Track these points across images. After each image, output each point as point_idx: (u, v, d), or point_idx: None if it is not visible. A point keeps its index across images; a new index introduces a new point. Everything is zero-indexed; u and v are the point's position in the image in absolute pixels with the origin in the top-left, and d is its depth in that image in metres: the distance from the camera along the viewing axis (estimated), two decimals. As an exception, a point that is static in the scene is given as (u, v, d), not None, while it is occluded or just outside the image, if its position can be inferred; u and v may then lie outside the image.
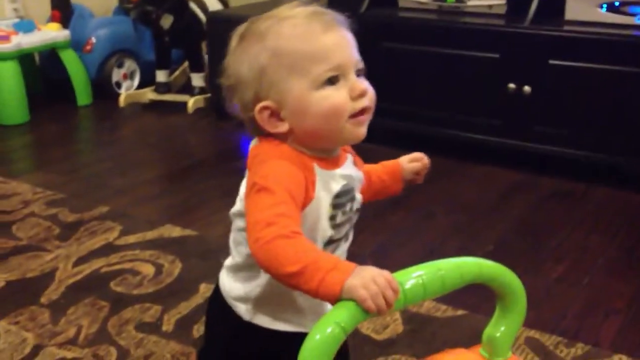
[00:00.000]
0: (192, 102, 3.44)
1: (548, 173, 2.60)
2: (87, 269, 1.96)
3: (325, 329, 0.72)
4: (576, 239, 2.14)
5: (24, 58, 3.38)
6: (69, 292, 1.85)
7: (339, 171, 0.94)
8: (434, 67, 2.71)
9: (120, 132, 3.34)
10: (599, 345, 1.62)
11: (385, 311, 0.73)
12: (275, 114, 0.90)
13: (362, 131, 0.91)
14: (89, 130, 3.47)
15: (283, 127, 0.90)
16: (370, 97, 0.91)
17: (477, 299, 1.68)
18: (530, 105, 2.56)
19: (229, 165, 2.79)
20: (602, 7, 2.47)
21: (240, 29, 0.94)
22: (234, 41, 0.94)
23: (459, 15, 2.74)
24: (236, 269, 1.01)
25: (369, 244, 2.09)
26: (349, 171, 0.96)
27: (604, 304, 1.79)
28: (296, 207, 0.85)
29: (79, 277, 1.92)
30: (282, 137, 0.92)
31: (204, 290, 1.83)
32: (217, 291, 1.06)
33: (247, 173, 0.92)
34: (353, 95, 0.89)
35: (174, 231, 2.19)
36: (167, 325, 1.70)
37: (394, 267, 0.80)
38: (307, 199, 0.89)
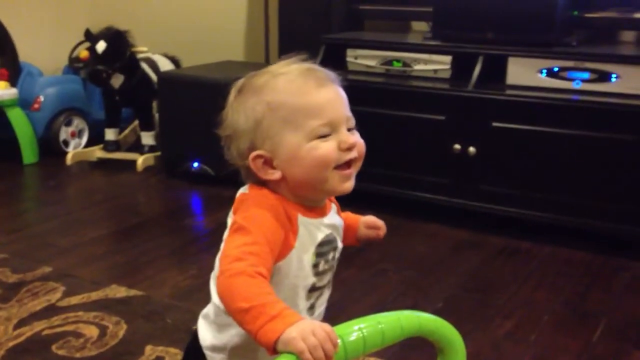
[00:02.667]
0: (141, 160, 3.42)
1: (494, 231, 2.65)
2: (29, 331, 1.90)
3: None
4: (523, 295, 2.18)
5: (-30, 116, 3.32)
6: (9, 355, 1.77)
7: (324, 220, 0.98)
8: (383, 128, 2.77)
9: (67, 190, 3.29)
10: (546, 402, 1.63)
11: None
12: (268, 162, 0.94)
13: (349, 185, 0.96)
14: (34, 189, 3.40)
15: (275, 175, 0.94)
16: (358, 150, 0.95)
17: (426, 356, 1.68)
18: (476, 166, 2.62)
19: (178, 223, 2.76)
20: (541, 72, 2.58)
21: (239, 83, 0.99)
22: (232, 94, 0.98)
23: (406, 79, 2.83)
24: (214, 316, 1.01)
25: (319, 303, 2.08)
26: (334, 220, 1.01)
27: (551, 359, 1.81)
28: (269, 252, 0.88)
29: (19, 339, 1.85)
30: (272, 186, 0.96)
31: (150, 352, 1.78)
32: (193, 342, 1.05)
33: (231, 215, 0.96)
34: (342, 147, 0.93)
35: (119, 291, 2.14)
36: (110, 389, 1.64)
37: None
38: (286, 247, 0.92)
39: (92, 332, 1.90)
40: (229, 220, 0.95)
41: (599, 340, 1.90)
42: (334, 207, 1.03)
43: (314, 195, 0.96)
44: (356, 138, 0.95)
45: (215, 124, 1.00)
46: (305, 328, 0.74)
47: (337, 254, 1.01)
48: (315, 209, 0.97)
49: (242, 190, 0.98)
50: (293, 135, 0.92)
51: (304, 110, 0.92)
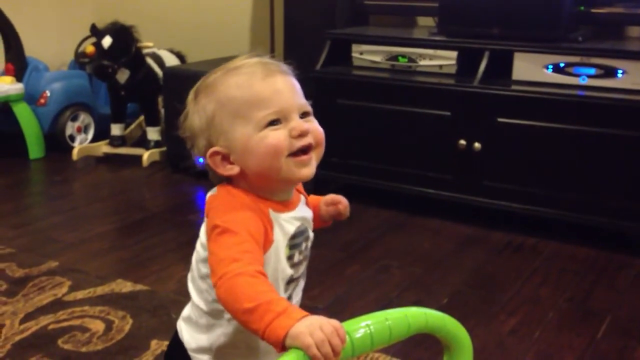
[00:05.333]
0: (147, 156, 3.43)
1: (499, 227, 2.65)
2: (35, 326, 1.91)
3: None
4: (527, 292, 2.18)
5: (-24, 111, 3.33)
6: (15, 350, 1.79)
7: (293, 213, 0.98)
8: (388, 124, 2.77)
9: (72, 185, 3.30)
10: (551, 398, 1.63)
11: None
12: (225, 158, 0.95)
13: (307, 171, 0.94)
14: (40, 184, 3.41)
15: (234, 170, 0.95)
16: (314, 136, 0.94)
17: (430, 353, 1.68)
18: (481, 161, 2.62)
19: (183, 218, 2.77)
20: (547, 68, 2.57)
21: (196, 85, 0.99)
22: (190, 96, 0.99)
23: (411, 75, 2.82)
24: (197, 318, 1.01)
25: (326, 297, 2.09)
26: (303, 212, 1.01)
27: (556, 357, 1.81)
28: (258, 247, 0.88)
29: (25, 334, 1.86)
30: (237, 183, 0.96)
31: (155, 347, 1.79)
32: (174, 345, 1.05)
33: (205, 220, 0.96)
34: (293, 134, 0.92)
35: (125, 286, 2.15)
36: (116, 384, 1.65)
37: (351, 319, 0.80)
38: (267, 242, 0.92)
39: (98, 326, 1.91)
40: (204, 225, 0.95)
41: (603, 337, 1.91)
42: (302, 198, 1.03)
43: (273, 186, 0.96)
44: (311, 125, 0.95)
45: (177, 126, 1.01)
46: (313, 323, 0.75)
47: (310, 244, 1.02)
48: (284, 203, 0.97)
49: (211, 192, 0.98)
50: (243, 127, 0.92)
51: (251, 101, 0.92)
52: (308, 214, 1.02)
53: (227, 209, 0.92)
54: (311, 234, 1.02)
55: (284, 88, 0.94)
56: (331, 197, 1.12)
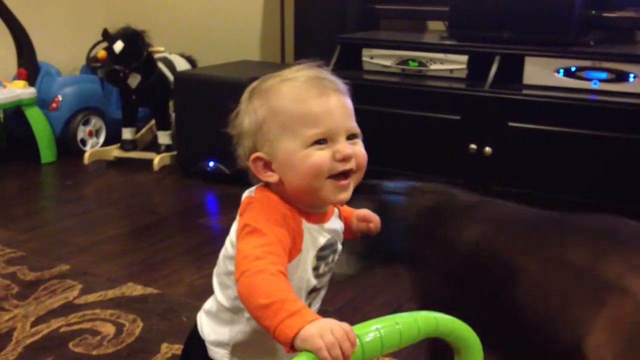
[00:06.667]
0: (157, 160, 3.44)
1: (510, 232, 2.64)
2: (46, 329, 1.91)
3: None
4: (538, 297, 2.16)
5: (-12, 115, 3.36)
6: (26, 352, 1.79)
7: (325, 226, 0.99)
8: (398, 128, 2.77)
9: (84, 189, 3.31)
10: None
11: None
12: (267, 165, 0.96)
13: (344, 196, 0.95)
14: (52, 188, 3.43)
15: (273, 178, 0.95)
16: (357, 161, 0.95)
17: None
18: (491, 166, 2.61)
19: (193, 222, 2.77)
20: (559, 72, 2.57)
21: (252, 85, 1.00)
22: (245, 95, 1.00)
23: (422, 79, 2.82)
24: (219, 312, 1.02)
25: (337, 300, 2.09)
26: (335, 225, 1.02)
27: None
28: (284, 251, 0.89)
29: (37, 337, 1.87)
30: (275, 188, 0.97)
31: (165, 350, 1.79)
32: (192, 336, 1.07)
33: (237, 218, 0.97)
34: (336, 157, 0.92)
35: (135, 289, 2.15)
36: (126, 387, 1.66)
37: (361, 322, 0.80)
38: (294, 250, 0.93)
39: (109, 329, 1.91)
40: (236, 223, 0.96)
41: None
42: (335, 211, 1.03)
43: (309, 202, 0.96)
44: (356, 149, 0.95)
45: (228, 123, 1.01)
46: (324, 326, 0.75)
47: (336, 257, 1.02)
48: (317, 215, 0.98)
49: (248, 192, 0.99)
50: (290, 141, 0.93)
51: (302, 117, 0.93)
52: (339, 226, 1.03)
53: (261, 210, 0.93)
54: (339, 247, 1.03)
55: (336, 109, 0.94)
56: (364, 213, 1.12)
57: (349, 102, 0.97)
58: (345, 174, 0.94)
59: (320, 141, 0.92)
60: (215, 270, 1.03)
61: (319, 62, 1.00)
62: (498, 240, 1.32)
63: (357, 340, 0.75)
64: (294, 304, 0.79)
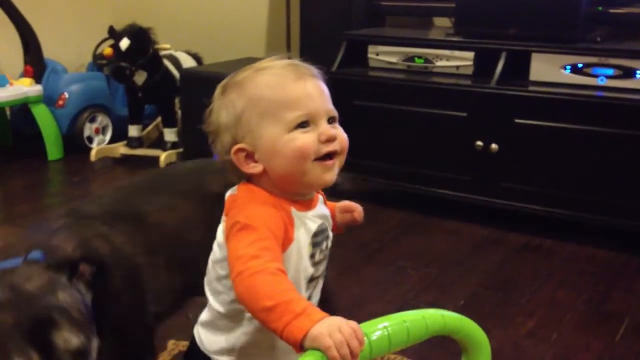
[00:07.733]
0: (164, 157, 3.45)
1: (516, 229, 2.64)
2: (53, 325, 1.92)
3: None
4: (545, 293, 2.16)
5: (-4, 112, 3.38)
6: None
7: (314, 212, 0.99)
8: (404, 125, 2.77)
9: (91, 186, 3.32)
10: (569, 401, 1.62)
11: None
12: (250, 156, 0.95)
13: (330, 176, 0.95)
14: (59, 185, 3.44)
15: (257, 169, 0.95)
16: (340, 143, 0.95)
17: (448, 354, 1.68)
18: (498, 163, 2.61)
19: (200, 220, 2.78)
20: (566, 68, 2.56)
21: (224, 81, 1.00)
22: (217, 91, 1.00)
23: (428, 76, 2.82)
24: (217, 320, 1.01)
25: (343, 298, 2.09)
26: (324, 211, 1.02)
27: (573, 359, 1.80)
28: (278, 245, 0.89)
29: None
30: (259, 182, 0.96)
31: (172, 347, 1.80)
32: (193, 350, 1.05)
33: (224, 219, 0.96)
34: (321, 139, 0.93)
35: (143, 287, 2.16)
36: (134, 383, 1.66)
37: (368, 320, 0.80)
38: (287, 240, 0.93)
39: (116, 326, 1.92)
40: (222, 225, 0.96)
41: (621, 339, 1.89)
42: (320, 198, 1.03)
43: (296, 189, 0.96)
44: (338, 131, 0.96)
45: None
46: (332, 325, 0.75)
47: (330, 243, 1.02)
48: (304, 202, 0.98)
49: (231, 191, 0.99)
50: (272, 127, 0.93)
51: (282, 102, 0.93)
52: (327, 212, 1.03)
53: (248, 205, 0.93)
54: (331, 234, 1.03)
55: (315, 92, 0.95)
56: (346, 204, 1.12)
57: (325, 87, 0.98)
58: (330, 156, 0.94)
59: (304, 124, 0.93)
60: (206, 279, 1.02)
61: (289, 54, 1.00)
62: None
63: (365, 338, 0.75)
64: (299, 304, 0.79)
